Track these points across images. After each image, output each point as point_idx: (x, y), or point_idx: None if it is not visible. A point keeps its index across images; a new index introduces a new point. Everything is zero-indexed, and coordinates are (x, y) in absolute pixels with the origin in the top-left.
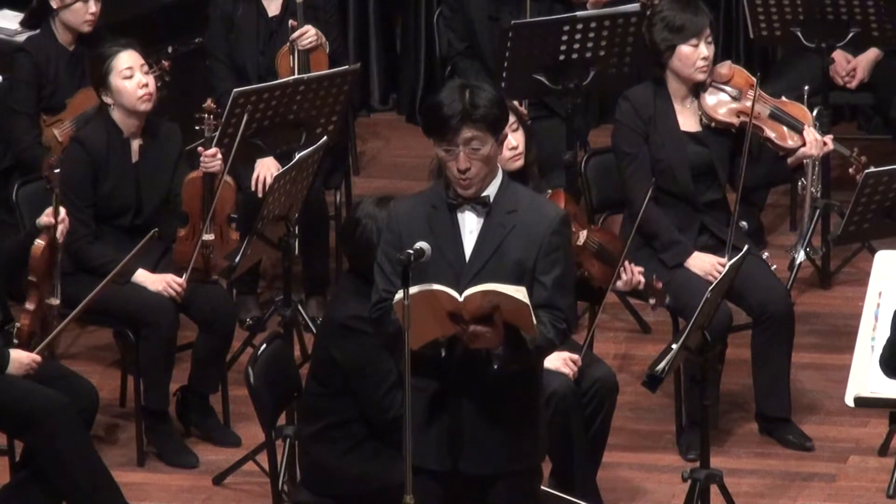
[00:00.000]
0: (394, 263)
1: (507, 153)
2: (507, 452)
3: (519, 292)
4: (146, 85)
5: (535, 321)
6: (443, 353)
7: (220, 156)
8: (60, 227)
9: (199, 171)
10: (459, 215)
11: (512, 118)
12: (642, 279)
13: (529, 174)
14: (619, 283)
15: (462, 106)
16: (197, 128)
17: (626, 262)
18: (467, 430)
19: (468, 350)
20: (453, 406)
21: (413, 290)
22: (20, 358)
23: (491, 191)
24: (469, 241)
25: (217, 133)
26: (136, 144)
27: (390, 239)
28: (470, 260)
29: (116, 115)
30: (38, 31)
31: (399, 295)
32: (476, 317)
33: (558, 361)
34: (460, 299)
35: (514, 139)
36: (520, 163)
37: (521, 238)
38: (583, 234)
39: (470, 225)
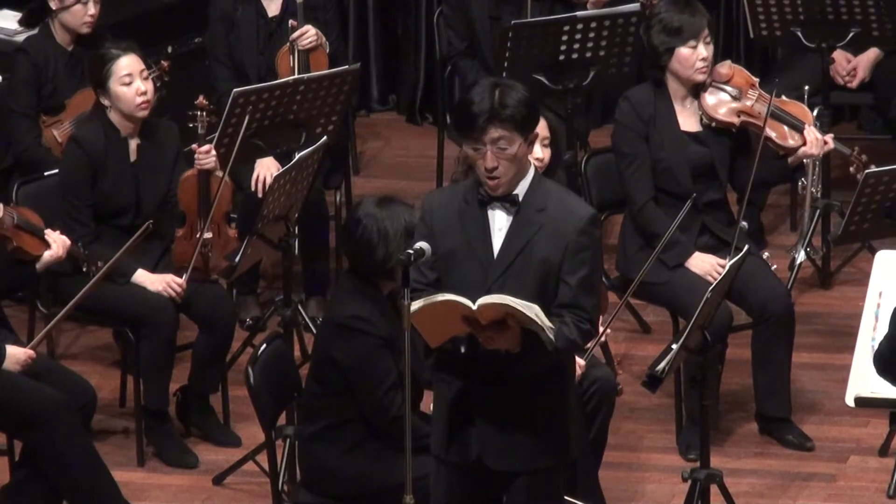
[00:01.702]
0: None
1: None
2: (531, 449)
3: (531, 310)
4: (144, 92)
5: (550, 330)
6: (462, 350)
7: (213, 152)
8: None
9: (195, 168)
10: (490, 212)
11: (547, 133)
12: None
13: None
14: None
15: (490, 105)
16: (190, 125)
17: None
18: (491, 426)
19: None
20: (478, 400)
21: (431, 300)
22: (16, 354)
23: (521, 189)
24: (498, 239)
25: (216, 131)
26: (133, 144)
27: (423, 231)
28: (498, 257)
29: (114, 116)
30: (36, 30)
31: (416, 305)
32: (491, 321)
33: None
34: (474, 307)
35: (542, 152)
36: None
37: (549, 237)
38: None
39: (500, 222)
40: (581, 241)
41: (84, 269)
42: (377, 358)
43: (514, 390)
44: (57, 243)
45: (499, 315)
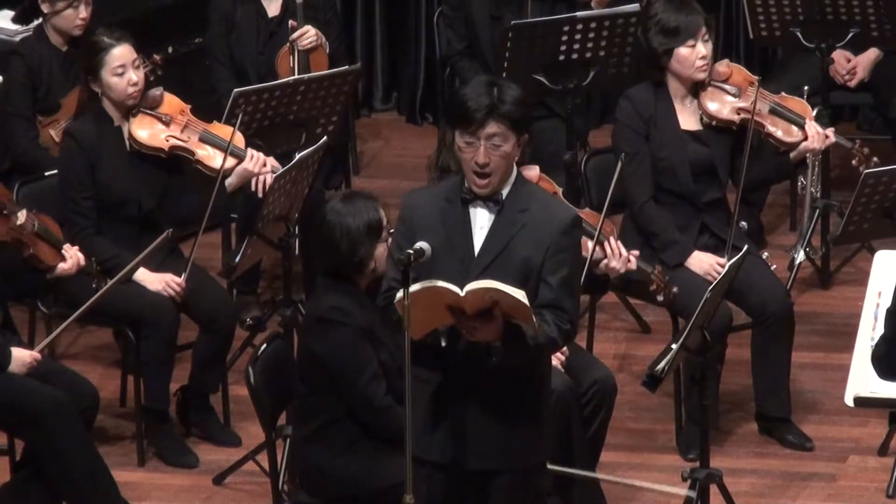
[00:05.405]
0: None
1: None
2: (509, 448)
3: (519, 293)
4: (136, 83)
5: (535, 319)
6: (443, 343)
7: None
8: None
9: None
10: (472, 210)
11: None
12: (634, 261)
13: None
14: (614, 263)
15: (489, 100)
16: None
17: (614, 240)
18: (469, 424)
19: (470, 343)
20: (456, 398)
21: (416, 287)
22: (21, 356)
23: (504, 189)
24: (479, 237)
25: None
26: (127, 132)
27: (403, 230)
28: (479, 255)
29: (106, 103)
30: (31, 31)
31: (399, 294)
32: (477, 311)
33: None
34: (462, 294)
35: None
36: None
37: (530, 237)
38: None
39: (481, 221)
40: (562, 241)
41: (94, 286)
42: (356, 348)
43: (491, 387)
44: (72, 259)
45: (484, 304)
